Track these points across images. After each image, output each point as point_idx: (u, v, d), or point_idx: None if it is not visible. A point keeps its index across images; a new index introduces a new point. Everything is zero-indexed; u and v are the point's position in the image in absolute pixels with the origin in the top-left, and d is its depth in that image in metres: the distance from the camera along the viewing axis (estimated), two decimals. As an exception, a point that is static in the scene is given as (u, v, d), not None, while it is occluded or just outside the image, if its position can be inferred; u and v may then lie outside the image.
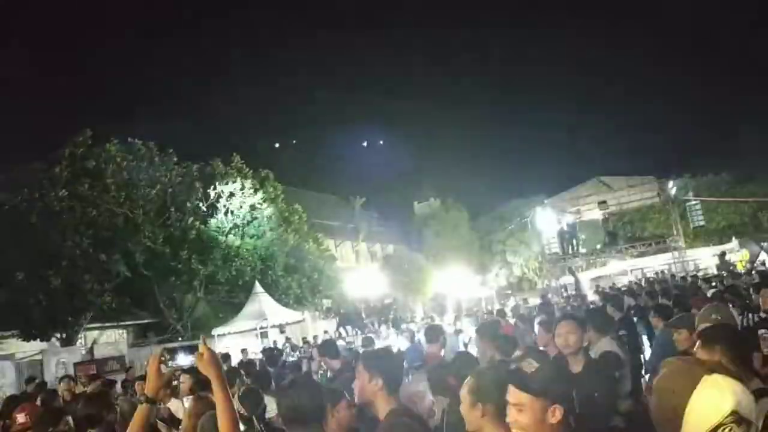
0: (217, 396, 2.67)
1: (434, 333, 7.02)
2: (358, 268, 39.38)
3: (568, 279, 33.19)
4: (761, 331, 5.70)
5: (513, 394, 2.34)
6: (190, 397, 5.32)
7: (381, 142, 66.84)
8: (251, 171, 28.24)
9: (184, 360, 16.87)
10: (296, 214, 30.29)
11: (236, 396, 4.82)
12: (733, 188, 44.32)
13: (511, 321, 12.95)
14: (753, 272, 15.54)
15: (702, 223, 35.37)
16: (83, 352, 21.47)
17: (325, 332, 25.69)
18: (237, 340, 23.79)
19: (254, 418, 4.54)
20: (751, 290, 7.82)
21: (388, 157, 60.31)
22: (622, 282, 29.57)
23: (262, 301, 23.38)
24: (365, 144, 64.48)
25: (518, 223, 41.28)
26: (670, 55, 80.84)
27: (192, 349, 17.15)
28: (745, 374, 2.97)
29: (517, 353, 4.89)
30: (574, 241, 34.04)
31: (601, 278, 33.97)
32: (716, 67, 75.94)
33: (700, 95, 70.91)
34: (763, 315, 6.25)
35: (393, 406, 2.88)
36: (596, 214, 35.46)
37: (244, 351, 18.71)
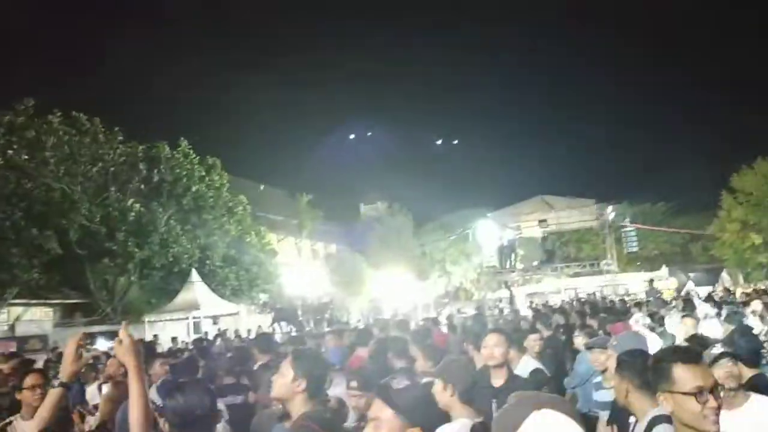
0: (132, 385, 2.63)
1: (365, 336, 7.07)
2: (299, 265, 39.17)
3: (503, 293, 33.78)
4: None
5: (376, 407, 2.29)
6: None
7: (332, 141, 66.66)
8: (198, 158, 27.79)
9: (104, 345, 16.43)
10: (240, 204, 29.96)
11: (153, 386, 4.74)
12: (668, 219, 46.08)
13: (444, 330, 13.12)
14: (676, 300, 16.18)
15: (635, 249, 36.60)
16: (5, 328, 20.70)
17: (260, 327, 25.46)
18: (168, 327, 23.37)
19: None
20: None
21: (338, 156, 60.23)
22: (556, 300, 30.29)
23: (197, 290, 23.07)
24: (322, 141, 64.18)
25: (460, 233, 41.82)
26: (623, 85, 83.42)
27: (115, 335, 16.76)
28: (651, 402, 3.11)
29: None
30: (513, 256, 34.73)
31: (536, 295, 34.71)
32: (666, 103, 78.80)
33: (646, 128, 73.69)
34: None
35: (307, 409, 2.85)
36: (536, 232, 36.24)
37: (174, 339, 18.40)
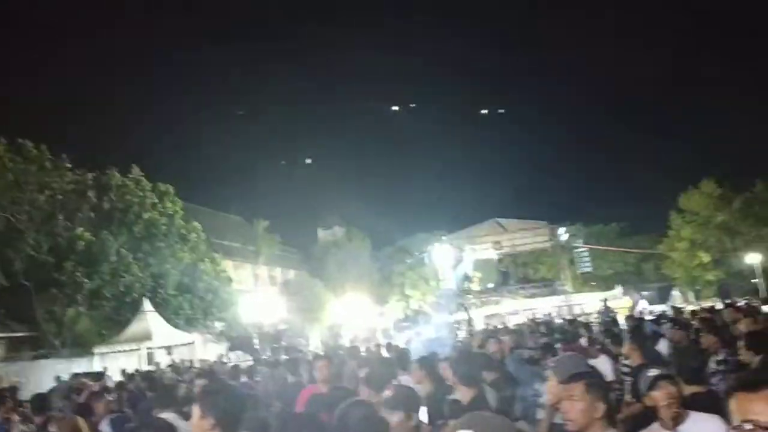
0: None
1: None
2: (256, 292, 38.65)
3: (462, 315, 33.91)
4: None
5: None
6: None
7: (286, 165, 66.45)
8: (151, 184, 27.38)
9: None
10: (194, 231, 29.49)
11: (108, 418, 4.68)
12: (621, 239, 47.10)
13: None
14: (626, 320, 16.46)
15: (588, 269, 37.30)
16: (-52, 363, 19.84)
17: (221, 356, 24.93)
18: (120, 359, 22.72)
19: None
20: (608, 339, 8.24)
21: (294, 181, 60.10)
22: (514, 321, 30.48)
23: (149, 319, 22.55)
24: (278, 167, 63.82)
25: (417, 257, 41.97)
26: (575, 107, 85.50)
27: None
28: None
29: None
30: (469, 279, 35.01)
31: (494, 316, 34.93)
32: (616, 125, 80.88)
33: (597, 150, 75.57)
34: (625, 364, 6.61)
35: None
36: (491, 254, 36.64)
37: (124, 372, 17.83)
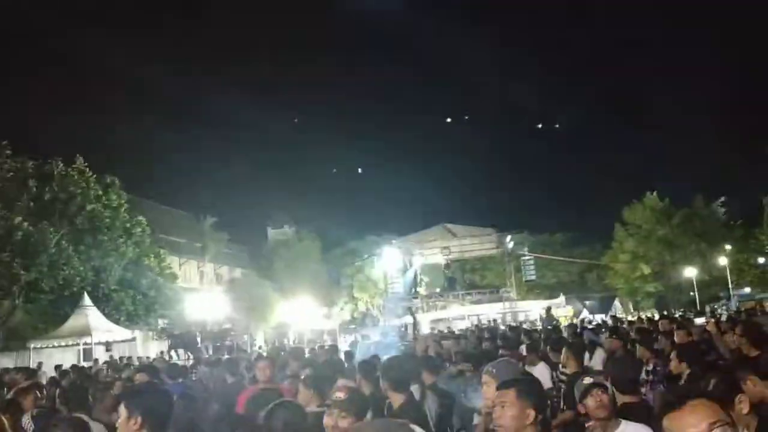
0: None
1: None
2: (202, 289, 38.03)
3: (409, 318, 34.10)
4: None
5: None
6: None
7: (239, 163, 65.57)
8: (95, 175, 26.63)
9: None
10: (139, 226, 28.80)
11: (30, 413, 4.55)
12: (566, 248, 48.16)
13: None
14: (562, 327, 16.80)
15: (533, 277, 38.07)
16: None
17: (161, 353, 24.42)
18: (56, 354, 22.06)
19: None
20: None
21: (245, 179, 59.40)
22: (460, 326, 30.83)
23: (89, 315, 21.99)
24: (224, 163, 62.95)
25: (366, 259, 42.05)
26: (522, 118, 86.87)
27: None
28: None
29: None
30: (417, 283, 35.30)
31: (440, 321, 35.24)
32: (563, 137, 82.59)
33: (544, 160, 77.22)
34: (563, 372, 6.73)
35: None
36: (440, 259, 36.99)
37: (58, 367, 17.29)
